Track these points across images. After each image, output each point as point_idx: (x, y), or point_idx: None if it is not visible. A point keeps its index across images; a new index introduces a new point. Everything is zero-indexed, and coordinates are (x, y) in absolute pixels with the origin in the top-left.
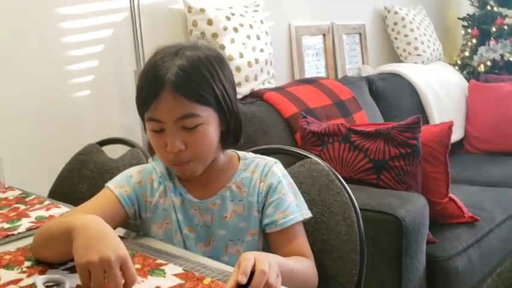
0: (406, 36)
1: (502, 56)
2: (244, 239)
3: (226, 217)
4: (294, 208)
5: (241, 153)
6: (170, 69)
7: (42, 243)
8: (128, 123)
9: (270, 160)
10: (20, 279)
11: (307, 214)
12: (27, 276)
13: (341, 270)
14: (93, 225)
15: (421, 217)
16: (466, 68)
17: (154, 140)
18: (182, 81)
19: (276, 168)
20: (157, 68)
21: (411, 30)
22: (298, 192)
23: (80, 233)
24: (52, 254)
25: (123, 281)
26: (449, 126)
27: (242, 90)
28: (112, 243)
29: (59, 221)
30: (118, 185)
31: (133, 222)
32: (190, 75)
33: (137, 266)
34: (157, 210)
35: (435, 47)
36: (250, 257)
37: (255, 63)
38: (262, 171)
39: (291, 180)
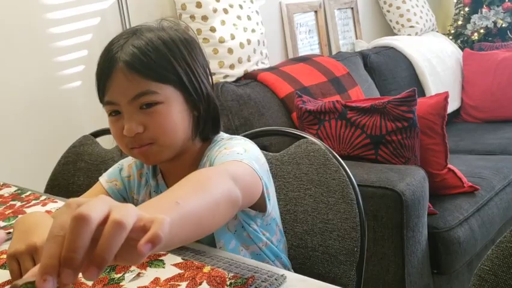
0: (398, 8)
1: (495, 23)
2: (226, 225)
3: None
4: (233, 155)
5: (216, 136)
6: (123, 47)
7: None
8: None
9: (226, 137)
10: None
11: (251, 165)
12: None
13: (343, 249)
14: (30, 219)
15: (421, 190)
16: (460, 37)
17: (112, 126)
18: (135, 59)
19: (226, 141)
20: (110, 48)
21: (403, 1)
22: (249, 146)
23: (16, 228)
24: None
25: None
26: (444, 98)
27: (235, 72)
28: (41, 231)
29: None
30: (109, 179)
31: None
32: (145, 52)
33: None
34: None
35: (428, 18)
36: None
37: (247, 44)
38: (212, 152)
39: (243, 142)
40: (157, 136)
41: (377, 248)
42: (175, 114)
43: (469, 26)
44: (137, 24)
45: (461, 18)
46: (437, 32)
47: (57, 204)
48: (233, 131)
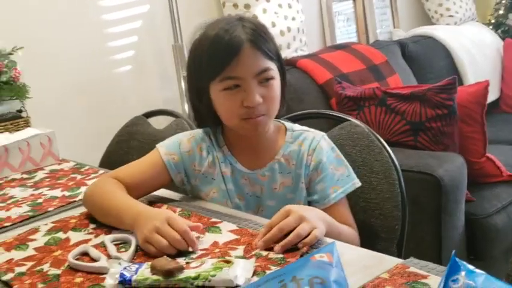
0: None
1: None
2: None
3: (275, 189)
4: (344, 180)
5: (288, 124)
6: (244, 28)
7: (95, 210)
8: (168, 96)
9: (317, 134)
10: (89, 239)
11: (358, 183)
12: (95, 237)
13: (384, 227)
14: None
15: (459, 176)
16: (501, 27)
17: (228, 99)
18: (257, 38)
19: (324, 141)
20: (228, 32)
21: None
22: (346, 161)
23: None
24: (103, 221)
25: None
26: (485, 86)
27: None
28: (154, 215)
29: (119, 202)
30: (168, 152)
31: (180, 187)
32: (261, 34)
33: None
34: (205, 179)
35: (468, 7)
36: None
37: (288, 32)
38: (310, 145)
39: (338, 151)
40: (269, 108)
41: (415, 232)
42: (279, 89)
43: (510, 16)
44: (226, 16)
45: (503, 8)
46: (477, 21)
47: None
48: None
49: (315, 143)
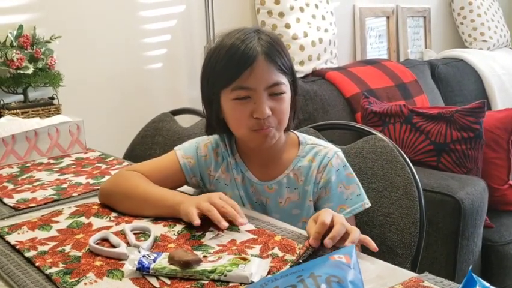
0: (472, 21)
1: None
2: (296, 225)
3: (281, 203)
4: (354, 199)
5: (301, 136)
6: (260, 41)
7: (121, 199)
8: (195, 95)
9: (330, 149)
10: (110, 226)
11: (367, 204)
12: (116, 225)
13: (400, 242)
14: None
15: (480, 200)
16: None
17: (238, 109)
18: (271, 52)
19: (336, 159)
20: (245, 42)
21: (479, 15)
22: (357, 181)
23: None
24: (131, 212)
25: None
26: None
27: (304, 69)
28: (208, 194)
29: (158, 189)
30: (185, 155)
31: (196, 190)
32: (276, 48)
33: None
34: (218, 184)
35: (503, 34)
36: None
37: (319, 43)
38: (321, 162)
39: (351, 169)
40: (278, 121)
41: (429, 252)
42: (289, 103)
43: None
44: (242, 27)
45: None
46: (511, 48)
47: None
48: (296, 124)
49: (327, 160)
